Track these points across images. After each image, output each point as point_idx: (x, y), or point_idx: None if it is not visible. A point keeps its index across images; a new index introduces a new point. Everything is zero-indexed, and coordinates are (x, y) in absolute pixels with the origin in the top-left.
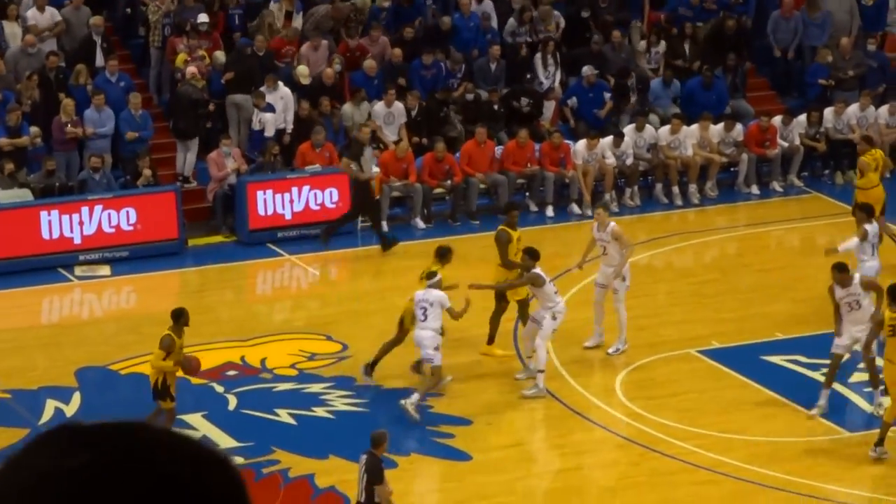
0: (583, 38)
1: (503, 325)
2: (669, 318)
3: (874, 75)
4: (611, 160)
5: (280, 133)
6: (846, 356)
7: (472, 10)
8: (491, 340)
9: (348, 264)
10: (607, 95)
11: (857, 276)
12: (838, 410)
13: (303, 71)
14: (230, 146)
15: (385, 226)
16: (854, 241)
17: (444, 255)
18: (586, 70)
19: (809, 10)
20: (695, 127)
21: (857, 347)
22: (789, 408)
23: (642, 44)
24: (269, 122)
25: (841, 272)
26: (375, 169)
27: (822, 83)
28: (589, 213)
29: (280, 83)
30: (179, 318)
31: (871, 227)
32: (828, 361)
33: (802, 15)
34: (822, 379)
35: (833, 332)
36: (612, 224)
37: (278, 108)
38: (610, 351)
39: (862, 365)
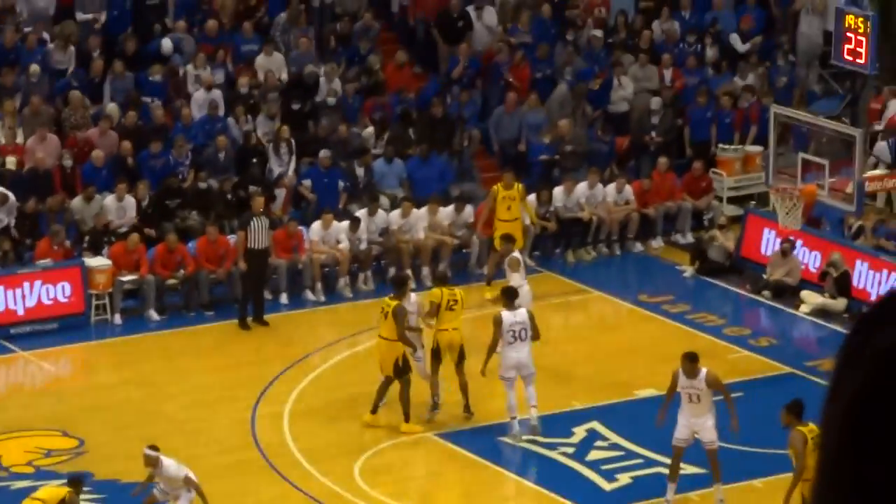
0: (305, 123)
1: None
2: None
3: (601, 155)
4: (344, 244)
5: (6, 228)
6: (685, 447)
7: (202, 98)
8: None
9: (83, 358)
10: (342, 184)
11: (703, 371)
12: (574, 488)
13: (10, 161)
14: None
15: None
16: (515, 276)
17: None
18: (322, 154)
19: (532, 105)
20: (425, 210)
21: (698, 436)
22: (528, 488)
23: (369, 130)
24: None
25: (691, 362)
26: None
27: (543, 159)
28: (323, 298)
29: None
30: None
31: (518, 254)
32: (563, 439)
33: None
34: (561, 458)
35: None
36: (414, 297)
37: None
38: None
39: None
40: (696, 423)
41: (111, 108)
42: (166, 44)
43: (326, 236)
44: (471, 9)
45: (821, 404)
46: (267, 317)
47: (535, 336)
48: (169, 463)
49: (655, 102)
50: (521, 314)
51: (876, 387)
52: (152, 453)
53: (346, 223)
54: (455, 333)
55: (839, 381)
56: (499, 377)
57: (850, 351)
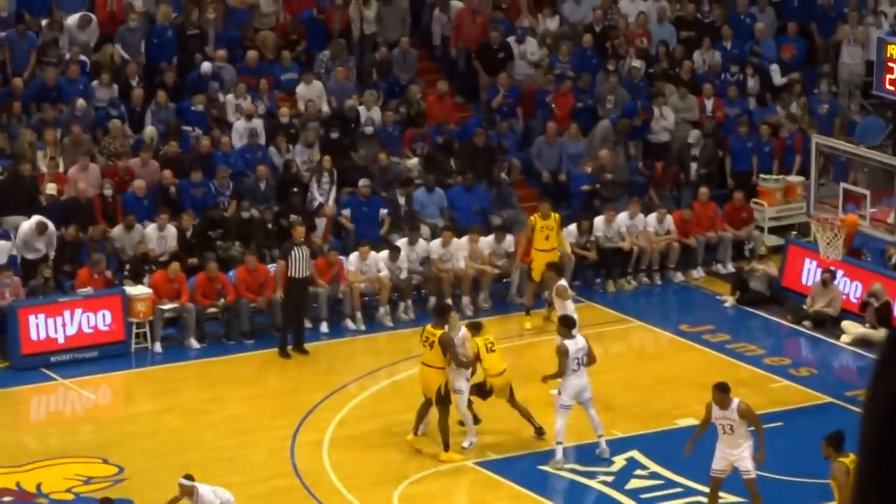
0: (346, 153)
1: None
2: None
3: (642, 187)
4: (384, 273)
5: (45, 257)
6: (723, 477)
7: (242, 127)
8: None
9: (123, 386)
10: (384, 211)
11: (735, 402)
12: None
13: (50, 187)
14: (10, 276)
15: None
16: (569, 303)
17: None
18: (362, 183)
19: (572, 135)
20: (465, 239)
21: (736, 465)
22: None
23: (413, 161)
24: (1, 251)
25: (722, 392)
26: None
27: (584, 189)
28: (363, 327)
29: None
30: None
31: (565, 282)
32: (603, 468)
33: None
34: (601, 487)
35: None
36: (463, 331)
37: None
38: (465, 444)
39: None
40: (733, 454)
41: (149, 131)
42: (205, 66)
43: (363, 267)
44: (511, 39)
45: (862, 407)
46: (307, 345)
47: (592, 360)
48: (205, 490)
49: (694, 135)
50: (581, 341)
51: None
52: (188, 483)
53: (385, 252)
54: (507, 375)
55: (879, 381)
56: (557, 403)
57: (892, 352)
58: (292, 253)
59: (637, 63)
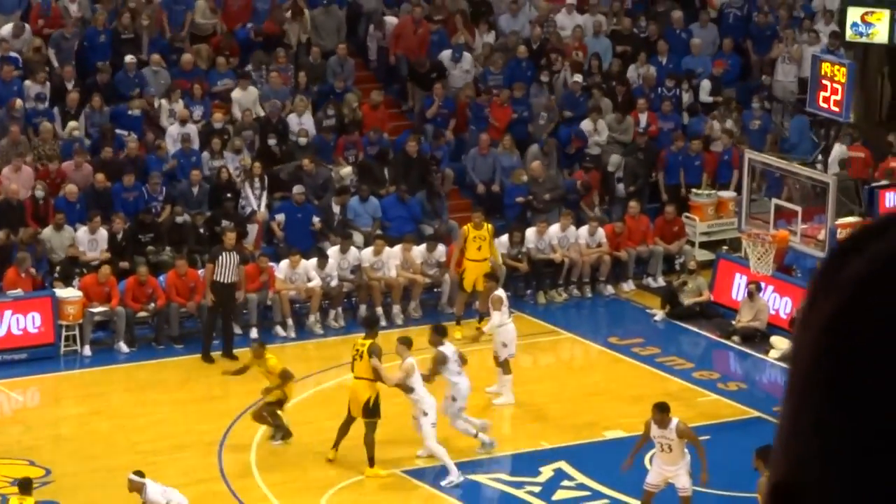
0: (280, 160)
1: None
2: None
3: (575, 199)
4: (315, 281)
5: None
6: (656, 492)
7: (176, 132)
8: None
9: (52, 389)
10: (316, 219)
11: (674, 421)
12: None
13: None
14: None
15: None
16: (496, 314)
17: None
18: (296, 190)
19: (506, 147)
20: (397, 248)
21: (672, 482)
22: None
23: (347, 170)
24: None
25: (661, 412)
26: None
27: (519, 201)
28: (293, 334)
29: None
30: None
31: (502, 292)
32: (530, 478)
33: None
34: (528, 497)
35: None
36: (409, 359)
37: None
38: (443, 483)
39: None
40: (670, 471)
41: (70, 126)
42: (129, 58)
43: (293, 276)
44: (447, 54)
45: (792, 343)
46: (236, 351)
47: (464, 361)
48: (154, 489)
49: (613, 163)
50: (451, 346)
51: (847, 313)
52: (137, 479)
53: (314, 260)
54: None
55: (811, 312)
56: (457, 410)
57: (825, 278)
58: (220, 258)
59: (578, 77)
